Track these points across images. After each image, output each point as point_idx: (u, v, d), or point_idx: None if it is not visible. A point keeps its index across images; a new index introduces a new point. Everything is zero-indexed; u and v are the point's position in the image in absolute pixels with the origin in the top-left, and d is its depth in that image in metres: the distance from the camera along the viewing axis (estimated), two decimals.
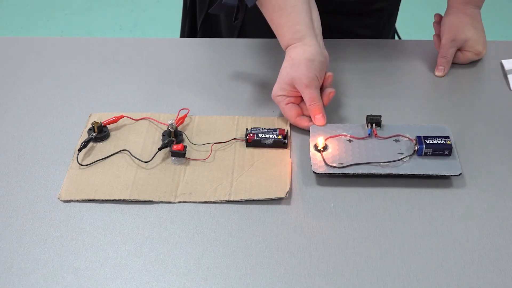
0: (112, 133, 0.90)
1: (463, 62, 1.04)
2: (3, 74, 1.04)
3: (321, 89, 0.91)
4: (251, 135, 0.87)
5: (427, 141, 0.83)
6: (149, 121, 0.92)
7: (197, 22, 1.22)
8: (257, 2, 0.90)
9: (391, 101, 0.96)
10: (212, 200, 0.79)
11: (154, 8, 2.86)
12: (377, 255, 0.73)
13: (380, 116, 0.88)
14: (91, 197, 0.80)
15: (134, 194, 0.80)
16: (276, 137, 0.86)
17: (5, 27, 2.77)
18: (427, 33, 1.15)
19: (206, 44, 1.14)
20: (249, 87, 1.00)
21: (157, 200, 0.80)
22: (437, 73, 1.02)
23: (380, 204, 0.79)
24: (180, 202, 0.80)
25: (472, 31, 1.02)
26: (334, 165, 0.81)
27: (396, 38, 1.26)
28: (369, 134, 0.86)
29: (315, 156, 0.83)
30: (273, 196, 0.79)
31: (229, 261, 0.72)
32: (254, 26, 1.14)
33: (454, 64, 1.04)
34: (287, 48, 0.91)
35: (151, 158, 0.85)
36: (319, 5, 1.11)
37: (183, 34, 1.28)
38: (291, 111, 0.89)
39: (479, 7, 1.04)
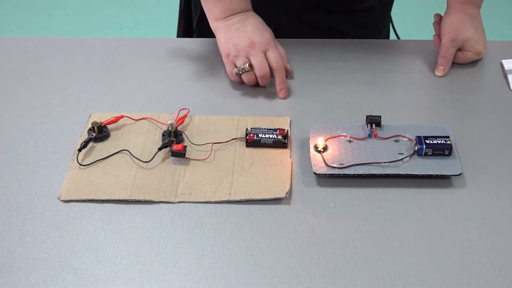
0: (112, 133, 0.90)
1: (463, 62, 1.04)
2: (3, 74, 1.04)
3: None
4: (251, 135, 0.87)
5: (427, 141, 0.83)
6: (149, 121, 0.92)
7: (193, 22, 1.22)
8: None
9: (391, 101, 0.96)
10: (212, 200, 0.79)
11: (154, 8, 2.87)
12: (377, 255, 0.73)
13: (380, 117, 0.88)
14: (91, 197, 0.80)
15: (134, 194, 0.80)
16: (276, 137, 0.86)
17: (5, 27, 2.77)
18: (427, 33, 1.15)
19: (206, 44, 1.14)
20: (249, 87, 1.00)
21: (157, 200, 0.80)
22: (437, 73, 1.02)
23: (380, 204, 0.79)
24: (180, 202, 0.80)
25: (472, 31, 1.02)
26: (334, 165, 0.81)
27: (395, 38, 1.26)
28: (369, 134, 0.87)
29: (315, 156, 0.83)
30: (273, 196, 0.79)
31: (229, 261, 0.72)
32: None
33: (454, 64, 1.04)
34: (236, 13, 0.98)
35: (151, 158, 0.85)
36: (308, 4, 1.11)
37: (178, 34, 1.28)
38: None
39: (479, 6, 1.04)
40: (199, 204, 0.79)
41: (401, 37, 1.25)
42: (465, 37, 1.02)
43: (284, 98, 0.96)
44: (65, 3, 2.91)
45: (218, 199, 0.80)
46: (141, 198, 0.80)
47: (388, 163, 0.82)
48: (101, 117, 0.91)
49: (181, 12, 1.25)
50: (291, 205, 0.79)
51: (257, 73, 0.95)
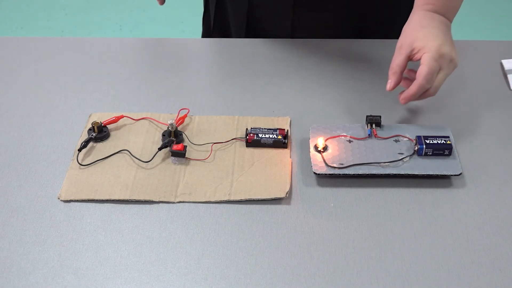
0: (112, 133, 0.90)
1: (430, 69, 0.82)
2: (3, 74, 1.04)
3: None
4: (251, 135, 0.87)
5: (427, 141, 0.83)
6: (149, 121, 0.92)
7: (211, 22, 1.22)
8: None
9: (391, 101, 0.96)
10: (212, 200, 0.79)
11: (154, 8, 2.87)
12: (377, 255, 0.73)
13: (380, 117, 0.88)
14: (91, 197, 0.80)
15: (134, 194, 0.80)
16: (276, 137, 0.86)
17: (5, 27, 2.77)
18: None
19: (206, 44, 1.14)
20: (249, 87, 1.00)
21: (157, 200, 0.80)
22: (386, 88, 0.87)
23: (380, 204, 0.79)
24: (180, 202, 0.80)
25: (419, 30, 0.85)
26: (334, 165, 0.82)
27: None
28: (369, 134, 0.87)
29: (315, 156, 0.83)
30: (273, 196, 0.79)
31: (229, 261, 0.72)
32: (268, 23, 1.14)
33: None
34: None
35: (151, 158, 0.85)
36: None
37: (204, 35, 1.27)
38: None
39: (438, 7, 0.88)
40: (199, 204, 0.79)
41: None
42: (411, 39, 0.85)
43: (161, 4, 1.10)
44: (65, 3, 2.91)
45: (218, 199, 0.80)
46: (141, 198, 0.80)
47: (388, 163, 0.82)
48: (101, 117, 0.91)
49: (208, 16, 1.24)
50: (291, 205, 0.79)
51: None
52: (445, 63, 0.84)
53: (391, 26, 1.09)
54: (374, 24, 1.12)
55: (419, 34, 0.85)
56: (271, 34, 1.12)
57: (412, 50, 0.84)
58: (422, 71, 0.82)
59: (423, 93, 0.85)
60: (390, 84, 0.86)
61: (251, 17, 1.13)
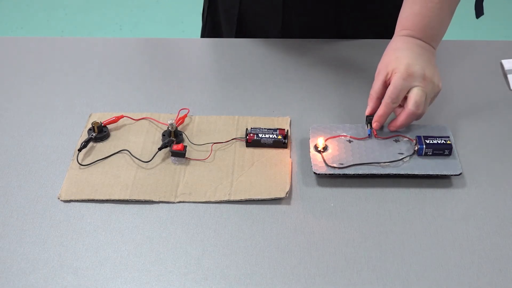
0: (112, 133, 0.90)
1: (395, 88, 0.83)
2: (3, 74, 1.04)
3: None
4: (251, 135, 0.87)
5: (427, 141, 0.83)
6: (149, 121, 0.92)
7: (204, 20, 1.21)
8: None
9: None
10: (212, 200, 0.79)
11: (154, 8, 2.87)
12: (377, 255, 0.73)
13: None
14: (91, 197, 0.80)
15: (134, 194, 0.80)
16: (276, 137, 0.86)
17: (5, 27, 2.77)
18: None
19: (206, 44, 1.14)
20: (249, 87, 1.00)
21: (157, 200, 0.80)
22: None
23: (380, 204, 0.79)
24: (180, 202, 0.80)
25: (392, 54, 0.87)
26: (334, 165, 0.82)
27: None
28: (369, 134, 0.87)
29: (315, 156, 0.83)
30: (273, 196, 0.79)
31: (229, 261, 0.72)
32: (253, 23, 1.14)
33: (454, 64, 1.04)
34: None
35: (151, 158, 0.85)
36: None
37: (203, 35, 1.27)
38: None
39: (410, 30, 0.88)
40: (199, 204, 0.79)
41: None
42: (385, 64, 0.86)
43: None
44: (65, 3, 2.91)
45: (218, 199, 0.80)
46: (141, 198, 0.80)
47: (388, 163, 0.82)
48: (101, 117, 0.91)
49: (206, 16, 1.24)
50: (291, 205, 0.79)
51: None
52: (417, 82, 0.83)
53: (382, 30, 1.09)
54: (365, 27, 1.13)
55: (392, 57, 0.86)
56: (261, 37, 1.12)
57: (387, 74, 0.85)
58: (387, 90, 0.84)
59: (406, 114, 0.84)
60: (368, 109, 0.87)
61: (241, 20, 1.13)
